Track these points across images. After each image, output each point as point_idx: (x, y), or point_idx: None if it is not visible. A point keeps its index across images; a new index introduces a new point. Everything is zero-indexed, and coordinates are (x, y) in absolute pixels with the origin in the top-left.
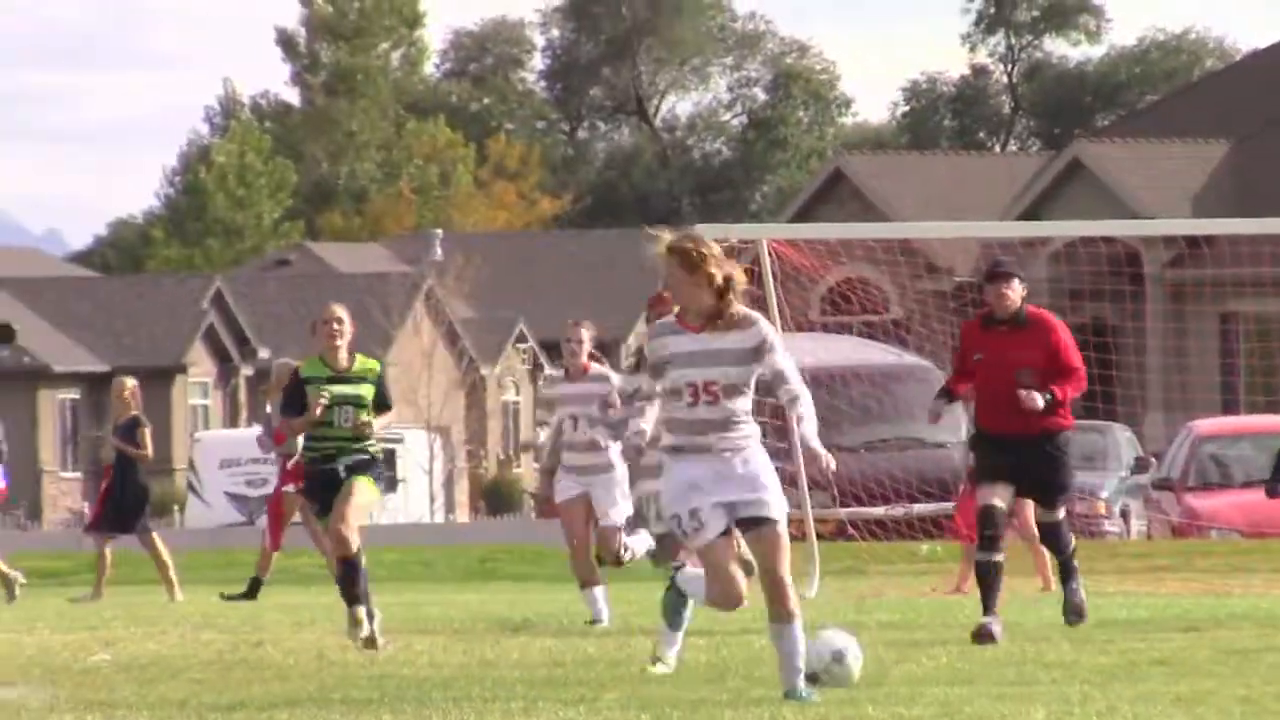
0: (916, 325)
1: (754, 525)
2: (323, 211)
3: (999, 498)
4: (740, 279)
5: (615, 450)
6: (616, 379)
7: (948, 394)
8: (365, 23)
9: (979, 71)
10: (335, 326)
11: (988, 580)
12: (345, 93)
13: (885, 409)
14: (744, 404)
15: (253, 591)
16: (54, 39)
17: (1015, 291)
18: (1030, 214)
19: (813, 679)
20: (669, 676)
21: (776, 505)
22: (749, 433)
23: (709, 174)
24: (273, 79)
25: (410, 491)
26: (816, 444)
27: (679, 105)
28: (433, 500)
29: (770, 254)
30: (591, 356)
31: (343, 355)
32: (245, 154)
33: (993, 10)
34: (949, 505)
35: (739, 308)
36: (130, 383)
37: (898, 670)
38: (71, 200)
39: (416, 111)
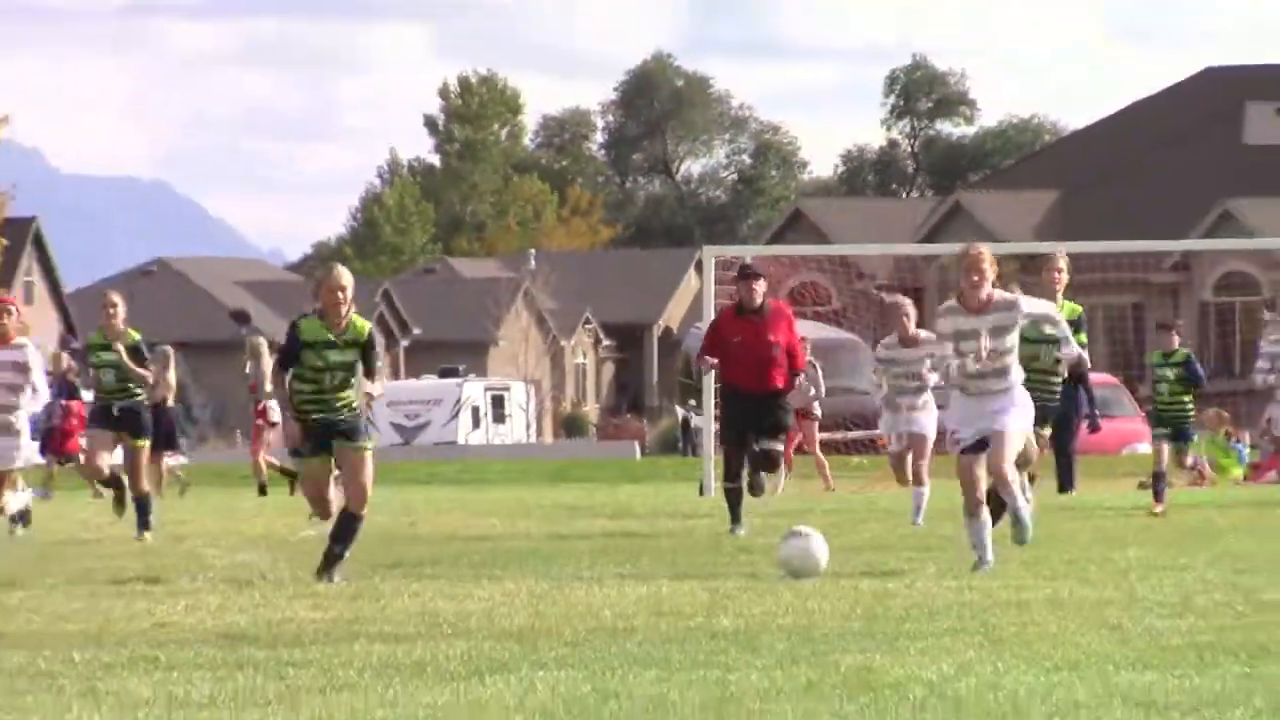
0: (849, 314)
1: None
2: (455, 238)
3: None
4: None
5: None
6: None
7: (704, 360)
8: (483, 110)
9: (892, 144)
10: (340, 295)
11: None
12: (470, 157)
13: (830, 369)
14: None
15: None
16: (281, 118)
17: (759, 289)
18: (927, 239)
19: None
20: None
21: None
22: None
23: (712, 212)
24: (421, 148)
25: (514, 423)
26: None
27: (693, 166)
28: (528, 428)
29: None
30: None
31: (343, 321)
32: (404, 198)
33: (902, 103)
34: (874, 433)
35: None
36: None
37: (838, 540)
38: (289, 226)
39: (518, 170)
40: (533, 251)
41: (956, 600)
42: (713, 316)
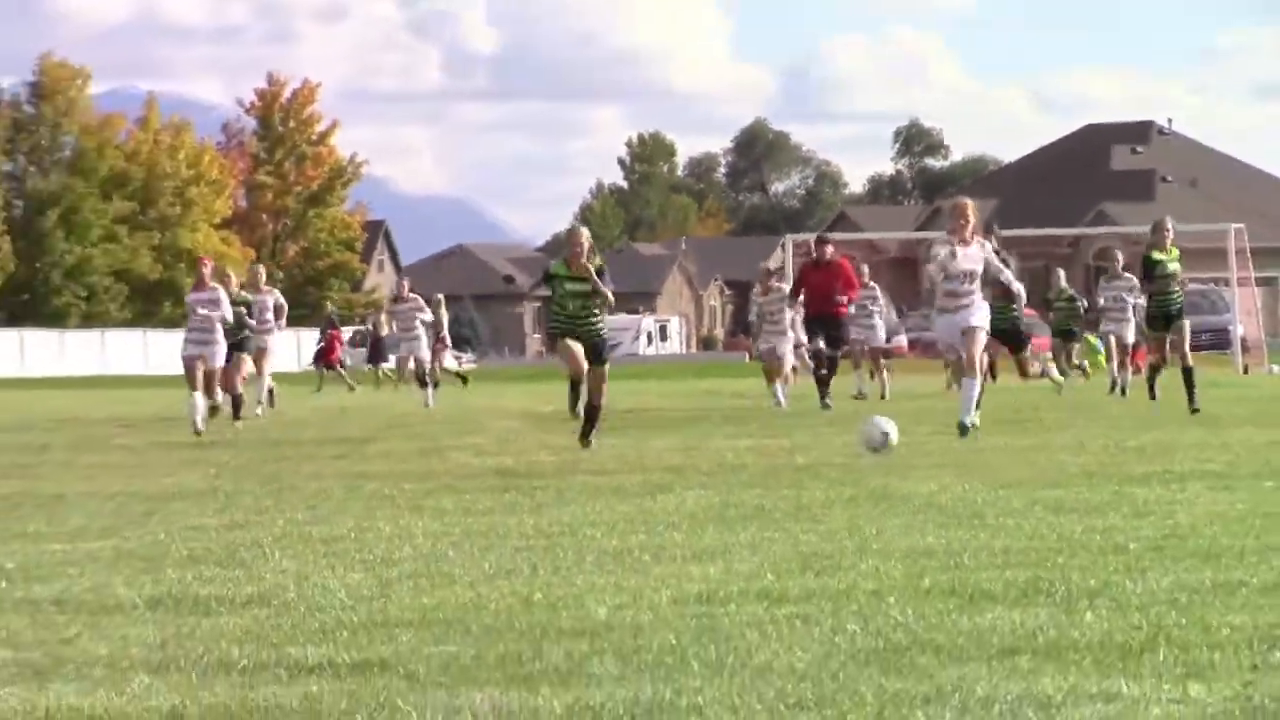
0: (870, 277)
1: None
2: (636, 230)
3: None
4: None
5: None
6: None
7: (794, 293)
8: (652, 153)
9: (898, 172)
10: (579, 248)
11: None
12: (645, 182)
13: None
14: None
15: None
16: (533, 162)
17: (830, 249)
18: (919, 229)
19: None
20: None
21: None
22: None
23: (789, 214)
24: (616, 176)
25: (672, 343)
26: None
27: (778, 186)
28: (681, 345)
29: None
30: None
31: (581, 262)
32: (605, 207)
33: (903, 147)
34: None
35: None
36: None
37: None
38: (538, 224)
39: (674, 190)
40: (683, 238)
41: (940, 448)
42: (790, 274)
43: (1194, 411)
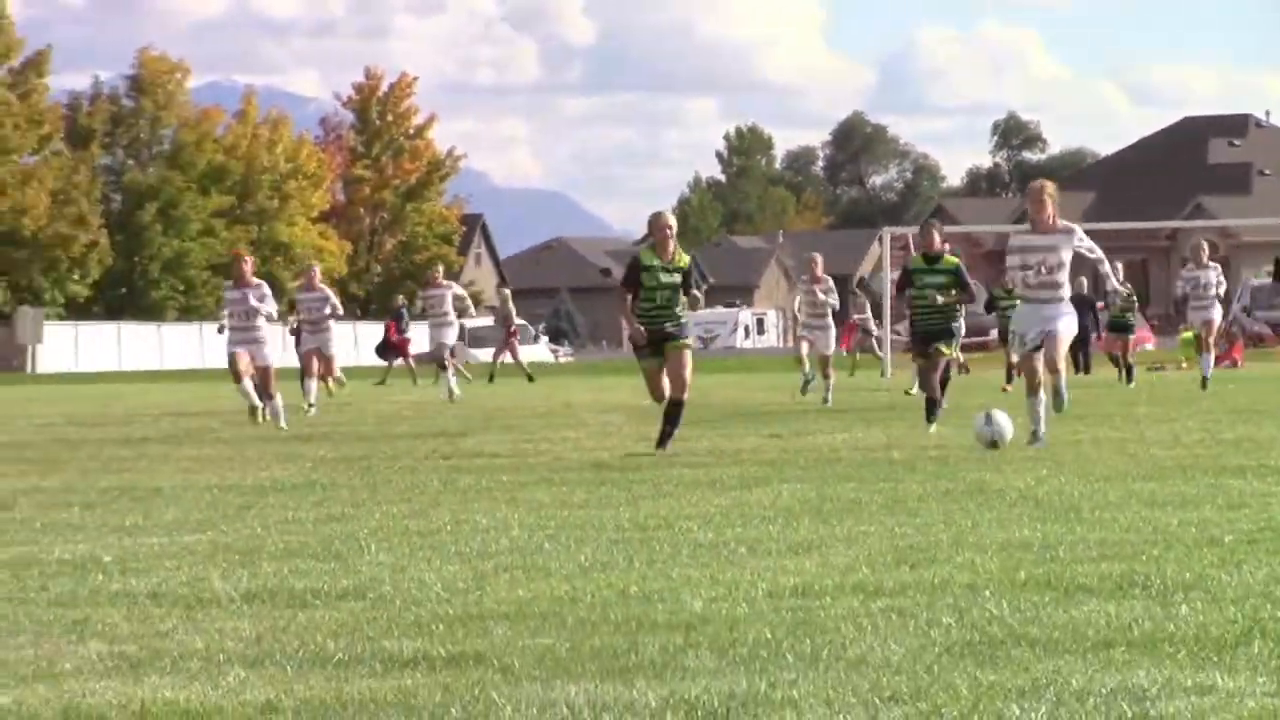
0: (970, 270)
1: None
2: (734, 223)
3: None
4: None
5: None
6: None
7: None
8: (750, 146)
9: (996, 165)
10: (668, 231)
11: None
12: (743, 175)
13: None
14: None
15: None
16: (632, 152)
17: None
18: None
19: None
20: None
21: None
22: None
23: (888, 208)
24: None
25: (769, 335)
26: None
27: (877, 179)
28: (780, 339)
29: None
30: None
31: (670, 250)
32: (703, 200)
33: (1001, 139)
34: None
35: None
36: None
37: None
38: (635, 217)
39: (772, 183)
40: (781, 232)
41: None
42: (888, 269)
43: None
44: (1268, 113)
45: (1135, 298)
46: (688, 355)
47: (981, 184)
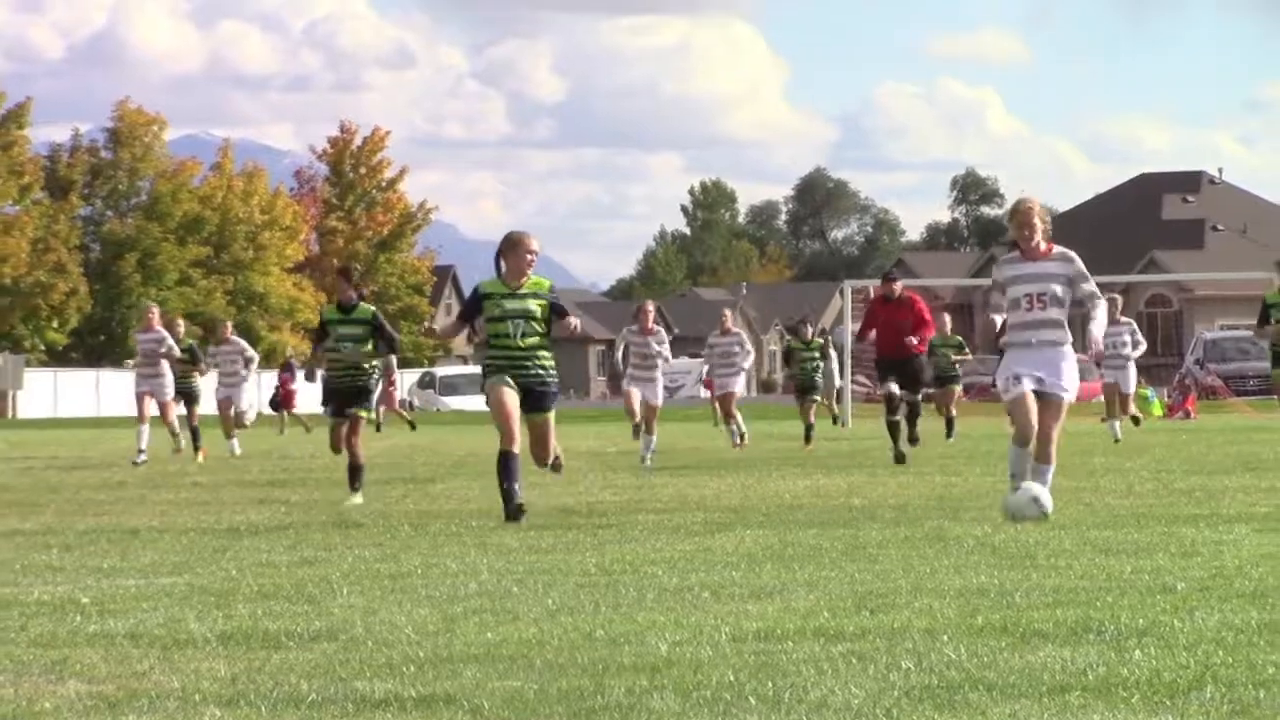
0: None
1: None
2: (699, 275)
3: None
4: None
5: None
6: None
7: (863, 334)
8: (714, 201)
9: (955, 220)
10: (528, 254)
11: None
12: (707, 229)
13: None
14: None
15: None
16: (597, 207)
17: (899, 285)
18: (974, 276)
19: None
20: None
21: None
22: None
23: (849, 261)
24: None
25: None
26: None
27: (838, 233)
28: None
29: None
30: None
31: (523, 278)
32: (668, 253)
33: (960, 195)
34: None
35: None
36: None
37: (922, 456)
38: (602, 269)
39: (735, 236)
40: (744, 284)
41: (992, 489)
42: (850, 323)
43: None
44: (1220, 170)
45: (965, 347)
46: (548, 425)
47: (941, 238)
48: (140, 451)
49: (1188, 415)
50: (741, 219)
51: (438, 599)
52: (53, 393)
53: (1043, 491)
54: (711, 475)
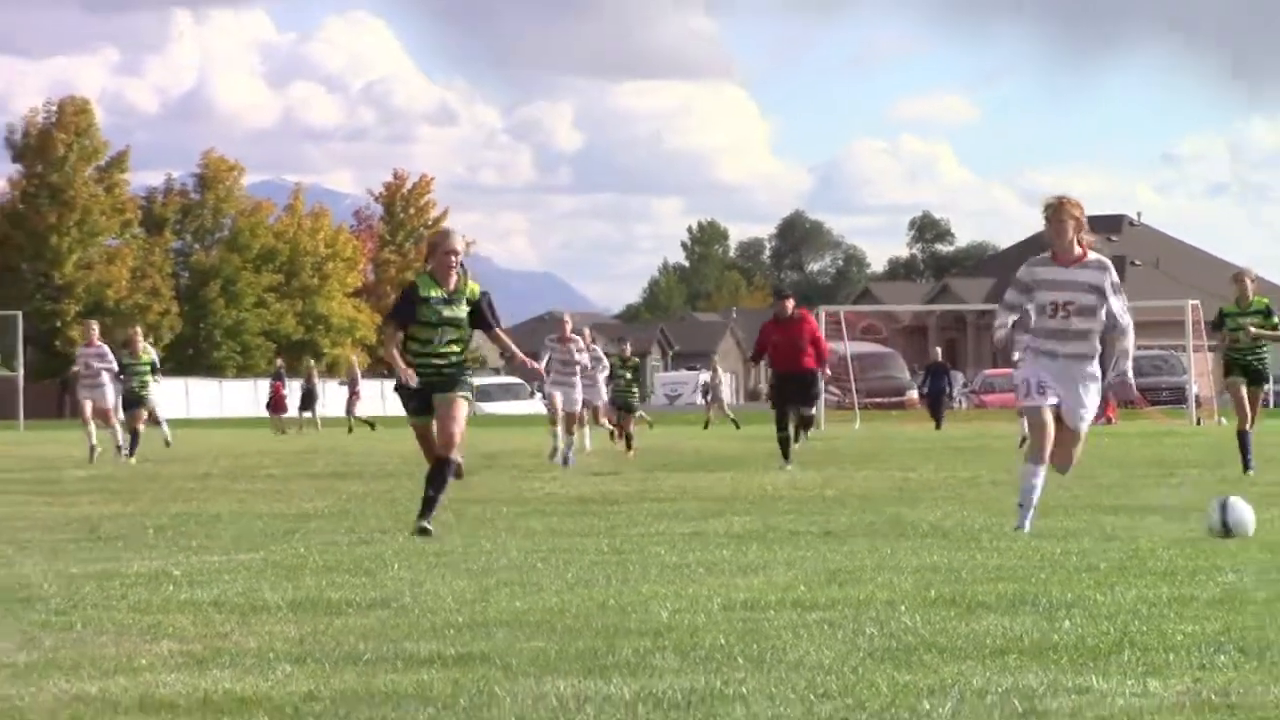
0: (889, 339)
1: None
2: (697, 301)
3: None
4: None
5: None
6: None
7: (757, 355)
8: (709, 239)
9: (913, 255)
10: (452, 256)
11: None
12: (704, 261)
13: (877, 367)
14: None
15: None
16: (607, 242)
17: (791, 304)
18: (929, 302)
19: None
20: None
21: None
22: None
23: (824, 289)
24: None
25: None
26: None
27: (814, 265)
28: (734, 398)
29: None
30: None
31: (454, 280)
32: (670, 281)
33: (917, 233)
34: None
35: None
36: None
37: (878, 454)
38: (613, 295)
39: (727, 268)
40: (734, 309)
41: (945, 482)
42: (828, 345)
43: (1246, 470)
44: (1139, 214)
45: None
46: (461, 406)
47: (900, 270)
48: (92, 448)
49: (1109, 421)
50: (732, 253)
51: (474, 573)
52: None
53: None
54: (705, 471)
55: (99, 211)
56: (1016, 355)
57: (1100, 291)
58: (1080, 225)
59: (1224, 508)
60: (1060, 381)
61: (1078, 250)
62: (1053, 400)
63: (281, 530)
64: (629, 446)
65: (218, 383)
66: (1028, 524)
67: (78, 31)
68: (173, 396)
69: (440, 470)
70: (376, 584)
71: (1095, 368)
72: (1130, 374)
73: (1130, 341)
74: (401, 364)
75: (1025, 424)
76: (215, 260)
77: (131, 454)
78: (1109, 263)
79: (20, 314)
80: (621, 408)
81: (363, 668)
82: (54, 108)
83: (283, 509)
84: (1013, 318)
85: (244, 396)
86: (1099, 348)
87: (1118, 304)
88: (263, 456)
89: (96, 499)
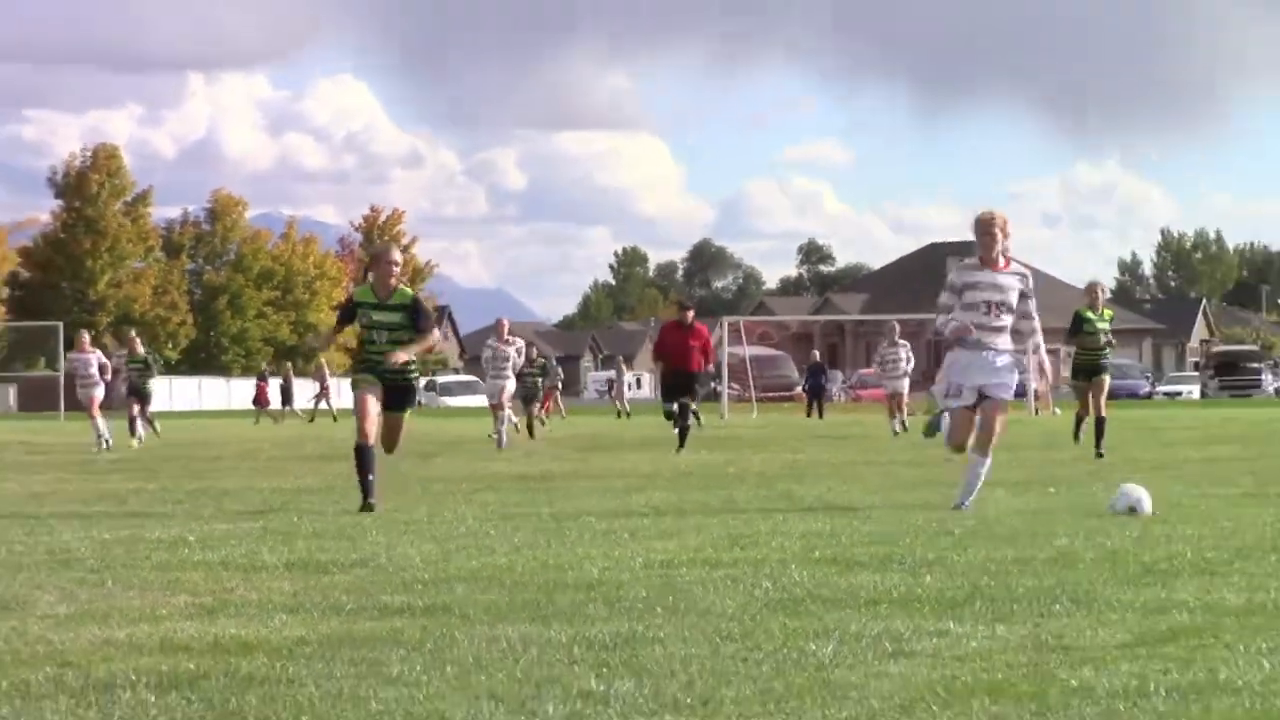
0: (780, 343)
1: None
2: (622, 313)
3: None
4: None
5: None
6: None
7: (657, 353)
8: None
9: (800, 275)
10: (391, 266)
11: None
12: (629, 280)
13: (770, 366)
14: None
15: None
16: (542, 269)
17: (691, 314)
18: (813, 314)
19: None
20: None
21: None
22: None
23: (728, 302)
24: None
25: (644, 390)
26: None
27: (720, 283)
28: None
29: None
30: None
31: (391, 286)
32: (599, 296)
33: (804, 256)
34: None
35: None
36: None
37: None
38: (554, 308)
39: (646, 285)
40: (653, 319)
41: (828, 462)
42: (727, 348)
43: (1099, 456)
44: None
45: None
46: (405, 422)
47: (790, 287)
48: (99, 437)
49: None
50: (651, 273)
51: (438, 538)
52: (168, 394)
53: (1139, 500)
54: (630, 451)
55: (126, 239)
56: (972, 336)
57: (1023, 294)
58: (1006, 236)
59: (1125, 495)
60: (984, 371)
61: (1003, 261)
62: (970, 399)
63: (279, 503)
64: (531, 434)
65: (225, 381)
66: (969, 502)
67: (108, 90)
68: (187, 392)
69: (371, 456)
70: (357, 547)
71: (1012, 357)
72: (1044, 358)
73: (1040, 334)
74: (326, 343)
75: (947, 417)
76: (223, 279)
77: (133, 435)
78: (1028, 272)
79: (61, 324)
80: (523, 399)
81: (345, 617)
82: (89, 153)
83: (280, 485)
84: (951, 320)
85: (248, 393)
86: (1012, 343)
87: (1032, 305)
88: (262, 442)
89: (125, 476)
